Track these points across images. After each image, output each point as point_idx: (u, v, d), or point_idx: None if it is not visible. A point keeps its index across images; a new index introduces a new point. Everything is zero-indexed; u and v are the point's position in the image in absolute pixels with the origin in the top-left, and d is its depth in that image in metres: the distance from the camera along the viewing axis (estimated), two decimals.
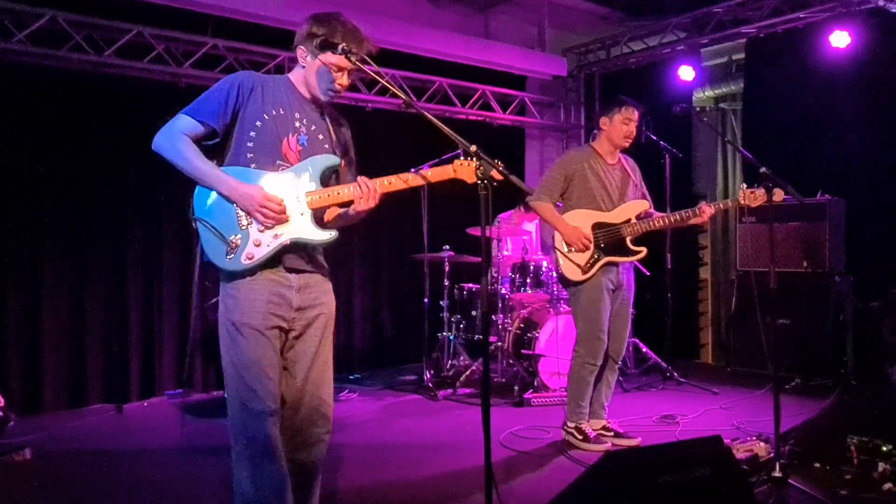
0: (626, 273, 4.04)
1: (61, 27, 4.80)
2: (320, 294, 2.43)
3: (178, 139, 2.27)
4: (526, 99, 7.45)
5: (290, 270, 2.35)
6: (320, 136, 2.44)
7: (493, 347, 5.58)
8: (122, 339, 5.20)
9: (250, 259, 2.27)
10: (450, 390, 5.44)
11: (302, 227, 2.33)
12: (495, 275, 5.69)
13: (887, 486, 3.11)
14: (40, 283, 4.88)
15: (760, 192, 3.58)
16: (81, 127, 5.06)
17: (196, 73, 5.31)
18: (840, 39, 5.58)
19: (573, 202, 3.99)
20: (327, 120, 2.49)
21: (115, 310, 5.17)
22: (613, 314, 4.00)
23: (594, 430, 4.01)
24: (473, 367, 5.68)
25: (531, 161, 7.89)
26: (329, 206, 2.41)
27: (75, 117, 5.04)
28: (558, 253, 3.97)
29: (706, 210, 3.83)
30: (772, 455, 3.31)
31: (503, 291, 5.67)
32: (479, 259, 5.80)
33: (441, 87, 6.65)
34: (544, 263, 5.69)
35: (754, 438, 3.63)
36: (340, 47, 2.29)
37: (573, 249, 3.91)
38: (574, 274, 3.94)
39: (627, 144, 4.01)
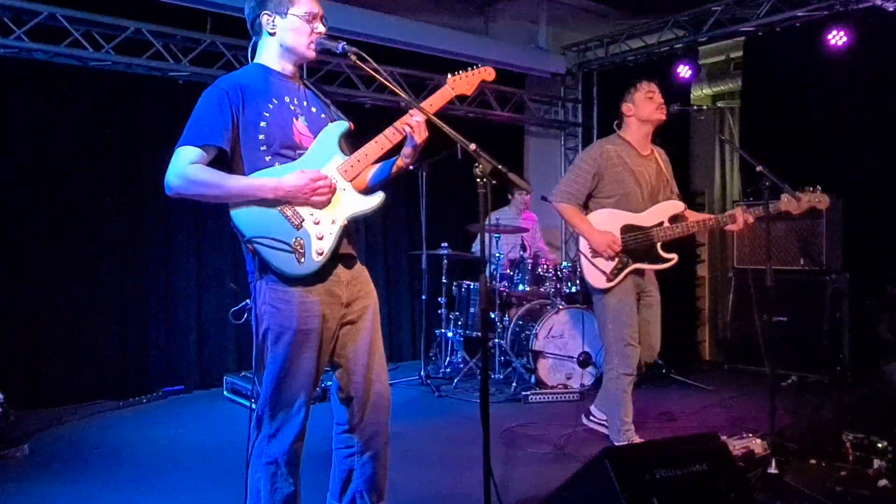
0: (650, 282, 3.80)
1: (60, 23, 4.80)
2: (364, 284, 2.39)
3: (190, 171, 2.12)
4: (525, 96, 7.46)
5: (343, 259, 2.29)
6: (314, 109, 2.36)
7: (490, 344, 5.60)
8: (122, 334, 5.21)
9: (321, 254, 2.19)
10: (448, 387, 5.46)
11: (351, 202, 2.26)
12: (493, 272, 5.70)
13: (882, 482, 3.12)
14: (40, 278, 4.89)
15: (807, 197, 3.46)
16: (80, 123, 5.06)
17: (195, 70, 5.31)
18: (837, 38, 5.59)
19: (602, 200, 3.71)
20: (312, 89, 2.42)
21: (114, 305, 5.18)
22: (641, 320, 3.74)
23: (600, 419, 3.86)
24: (471, 364, 5.70)
25: (530, 158, 7.90)
26: (363, 171, 2.33)
27: (74, 114, 5.04)
28: (583, 258, 3.72)
29: (739, 218, 3.57)
30: (768, 451, 3.33)
31: (501, 288, 5.68)
32: (477, 255, 5.81)
33: (440, 83, 6.62)
34: (542, 261, 5.70)
35: (750, 435, 3.64)
36: None
37: (598, 254, 3.67)
38: (598, 281, 3.68)
39: (663, 115, 3.68)
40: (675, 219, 3.69)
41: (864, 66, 5.52)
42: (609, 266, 3.64)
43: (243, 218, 2.16)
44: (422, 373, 5.62)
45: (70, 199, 5.02)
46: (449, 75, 2.45)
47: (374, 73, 2.29)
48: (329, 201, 2.22)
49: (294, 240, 2.16)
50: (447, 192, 6.26)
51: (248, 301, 2.31)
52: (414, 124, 2.29)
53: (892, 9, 5.39)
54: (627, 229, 3.64)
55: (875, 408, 4.05)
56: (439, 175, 5.53)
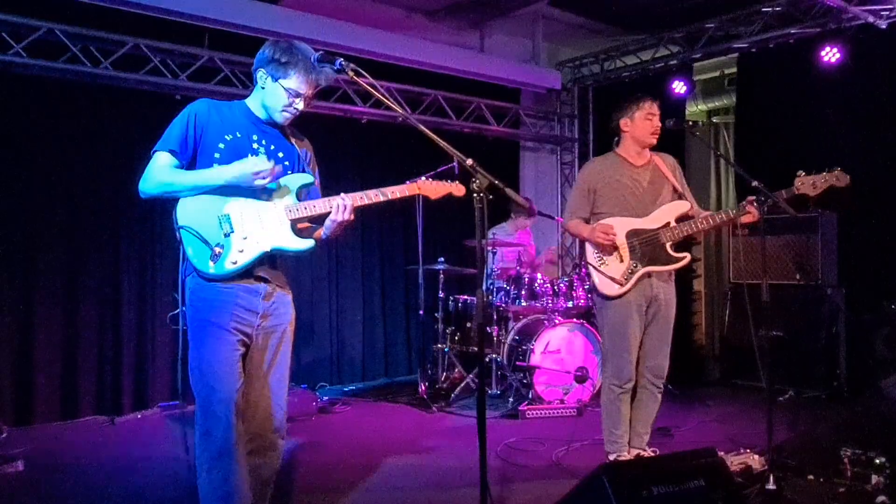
0: (664, 285, 3.65)
1: (58, 39, 4.82)
2: (281, 305, 2.55)
3: (156, 172, 2.40)
4: (520, 112, 7.49)
5: (259, 280, 2.47)
6: (280, 154, 2.57)
7: (487, 359, 5.58)
8: (116, 350, 5.18)
9: (234, 264, 2.39)
10: (444, 402, 5.44)
11: (282, 237, 2.48)
12: (490, 287, 5.70)
13: (881, 498, 3.11)
14: (33, 294, 4.87)
15: (820, 178, 3.36)
16: (78, 138, 5.07)
17: (192, 85, 5.32)
18: (830, 55, 5.65)
19: (603, 211, 3.68)
20: (290, 139, 2.63)
21: (108, 321, 5.16)
22: (648, 332, 3.63)
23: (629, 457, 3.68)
24: (468, 379, 5.68)
25: (526, 173, 7.93)
26: (304, 219, 2.55)
27: (72, 129, 5.05)
28: (591, 268, 3.65)
29: (753, 209, 3.42)
30: (766, 467, 3.32)
31: (498, 303, 5.68)
32: (474, 271, 5.81)
33: (436, 99, 6.68)
34: (539, 276, 5.71)
35: (748, 451, 3.63)
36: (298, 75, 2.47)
37: (605, 260, 3.58)
38: (610, 289, 3.57)
39: (654, 141, 3.68)
40: (682, 218, 3.62)
41: (857, 83, 5.58)
42: (619, 272, 3.56)
43: (184, 208, 2.40)
44: (418, 388, 5.60)
45: (65, 213, 5.01)
46: (422, 178, 2.75)
47: (370, 89, 2.34)
48: (269, 179, 2.42)
49: (216, 243, 2.38)
50: (444, 208, 6.25)
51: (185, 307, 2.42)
52: (341, 206, 2.48)
53: (884, 26, 5.45)
54: (633, 233, 3.59)
55: (872, 423, 4.04)
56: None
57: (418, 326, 5.73)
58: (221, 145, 2.46)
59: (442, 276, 5.79)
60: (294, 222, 2.51)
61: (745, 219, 3.47)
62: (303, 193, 2.60)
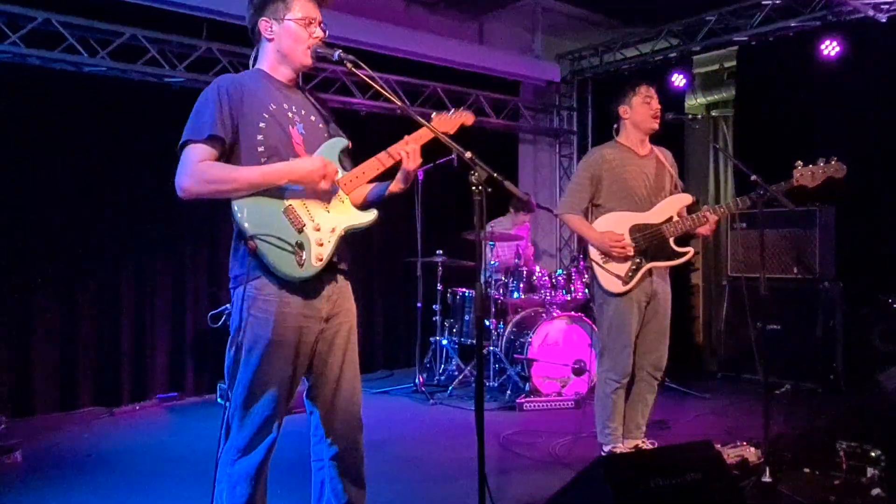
0: (661, 281, 3.65)
1: (55, 29, 4.80)
2: (345, 300, 2.36)
3: (200, 169, 2.10)
4: (519, 104, 7.48)
5: (335, 271, 2.29)
6: (312, 118, 2.36)
7: (485, 352, 5.59)
8: (114, 341, 5.18)
9: (320, 260, 2.19)
10: (442, 395, 5.45)
11: (348, 215, 2.29)
12: (488, 279, 5.70)
13: (876, 491, 3.13)
14: (32, 285, 4.87)
15: (819, 169, 3.35)
16: (75, 129, 5.05)
17: (190, 76, 5.31)
18: (830, 48, 5.64)
19: (606, 204, 3.62)
20: (311, 99, 2.41)
21: (107, 312, 5.16)
22: (647, 327, 3.63)
23: (627, 449, 3.70)
24: (466, 372, 5.69)
25: (524, 165, 7.92)
26: (358, 187, 2.36)
27: (69, 119, 5.03)
28: (595, 265, 3.60)
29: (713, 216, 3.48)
30: (762, 460, 3.33)
31: (496, 296, 5.68)
32: (473, 263, 5.81)
33: (435, 91, 6.66)
34: (537, 268, 5.71)
35: (745, 443, 3.64)
36: None
37: (610, 259, 3.56)
38: (615, 286, 3.54)
39: (657, 124, 3.62)
40: (686, 211, 3.60)
41: (857, 76, 5.58)
42: (623, 269, 3.53)
43: (247, 214, 2.12)
44: (416, 380, 5.61)
45: (62, 204, 5.00)
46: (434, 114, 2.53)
47: (369, 81, 2.29)
48: (328, 196, 2.24)
49: (296, 241, 2.15)
50: (442, 200, 6.26)
51: (227, 306, 2.29)
52: (410, 150, 2.32)
53: (884, 20, 5.44)
54: (637, 229, 3.55)
55: (868, 416, 4.06)
56: (435, 182, 5.54)
57: (416, 319, 5.73)
58: (262, 125, 2.19)
59: (440, 268, 5.79)
60: (352, 194, 2.31)
61: (705, 228, 3.50)
62: (344, 160, 2.38)
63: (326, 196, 2.26)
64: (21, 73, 4.82)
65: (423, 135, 2.37)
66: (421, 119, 2.31)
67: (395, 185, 2.39)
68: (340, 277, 2.35)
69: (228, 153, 2.18)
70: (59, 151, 4.99)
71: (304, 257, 2.15)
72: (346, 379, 2.35)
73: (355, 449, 2.40)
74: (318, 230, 2.21)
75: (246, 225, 2.11)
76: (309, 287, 2.22)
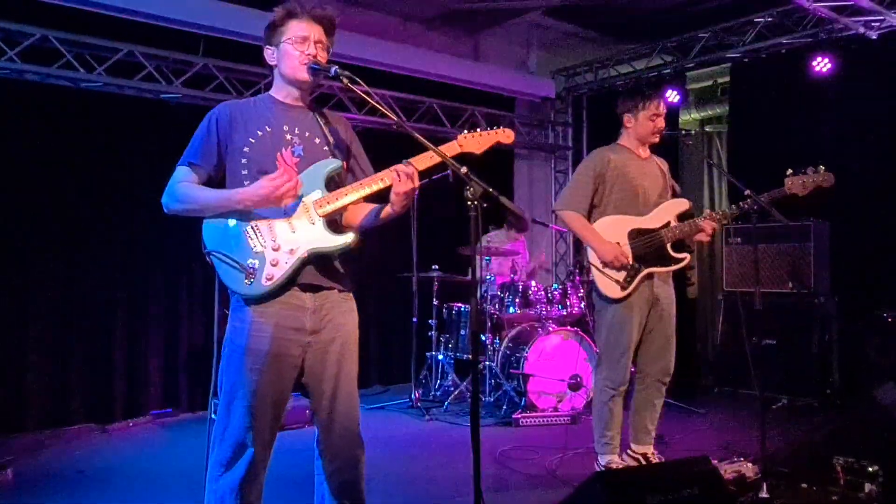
0: (663, 284, 3.66)
1: (52, 45, 4.81)
2: (336, 315, 2.33)
3: (177, 189, 2.28)
4: (515, 120, 7.52)
5: (306, 289, 2.27)
6: (317, 140, 2.38)
7: (481, 367, 5.57)
8: (107, 357, 5.15)
9: (270, 280, 2.21)
10: (438, 410, 5.42)
11: (316, 237, 2.27)
12: (484, 294, 5.70)
13: None
14: (24, 301, 4.85)
15: (809, 177, 3.38)
16: (72, 144, 5.05)
17: (187, 92, 5.32)
18: (822, 65, 5.70)
19: (607, 205, 3.62)
20: (319, 120, 2.42)
21: (100, 327, 5.13)
22: (650, 332, 3.64)
23: (637, 454, 3.70)
24: (462, 387, 5.67)
25: (519, 181, 7.95)
26: (339, 210, 2.33)
27: (66, 135, 5.03)
28: (594, 269, 3.60)
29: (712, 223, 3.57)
30: (759, 475, 3.33)
31: (492, 311, 5.67)
32: (468, 278, 5.82)
33: (431, 107, 6.69)
34: (533, 283, 5.71)
35: (742, 459, 3.63)
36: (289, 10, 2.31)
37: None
38: (613, 291, 3.55)
39: (657, 140, 3.68)
40: (682, 217, 3.61)
41: (849, 92, 5.63)
42: (622, 274, 3.54)
43: (210, 230, 2.28)
44: (412, 396, 5.59)
45: (58, 220, 4.99)
46: (466, 132, 2.42)
47: (364, 97, 2.30)
48: (294, 198, 2.23)
49: (248, 261, 2.22)
50: (438, 215, 6.27)
51: None
52: (402, 173, 2.25)
53: (874, 37, 5.50)
54: (635, 234, 3.55)
55: (865, 431, 4.05)
56: (430, 198, 5.55)
57: (412, 334, 5.72)
58: (247, 148, 2.29)
59: (436, 283, 5.78)
60: (331, 217, 2.30)
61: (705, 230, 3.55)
62: (336, 180, 2.36)
63: (296, 213, 2.26)
64: (19, 88, 4.83)
65: (422, 159, 2.30)
66: (419, 137, 2.26)
67: (388, 209, 2.36)
68: (331, 293, 2.32)
69: (220, 178, 2.34)
70: (55, 166, 4.98)
71: (253, 276, 2.21)
72: (343, 395, 2.34)
73: (354, 466, 2.38)
74: (277, 251, 2.24)
75: (206, 241, 2.28)
76: (284, 300, 2.24)
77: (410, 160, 2.30)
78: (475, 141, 2.40)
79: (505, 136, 2.45)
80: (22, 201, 4.86)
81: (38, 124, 4.93)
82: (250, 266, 2.21)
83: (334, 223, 2.33)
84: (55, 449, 4.45)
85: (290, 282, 2.24)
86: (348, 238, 2.29)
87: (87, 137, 5.11)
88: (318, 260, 2.28)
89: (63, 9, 4.73)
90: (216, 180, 2.34)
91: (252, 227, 2.25)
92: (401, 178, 2.24)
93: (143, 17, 4.96)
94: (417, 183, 2.26)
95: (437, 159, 2.27)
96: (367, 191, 2.30)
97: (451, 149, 2.36)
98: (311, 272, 2.27)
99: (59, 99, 5.00)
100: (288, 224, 2.26)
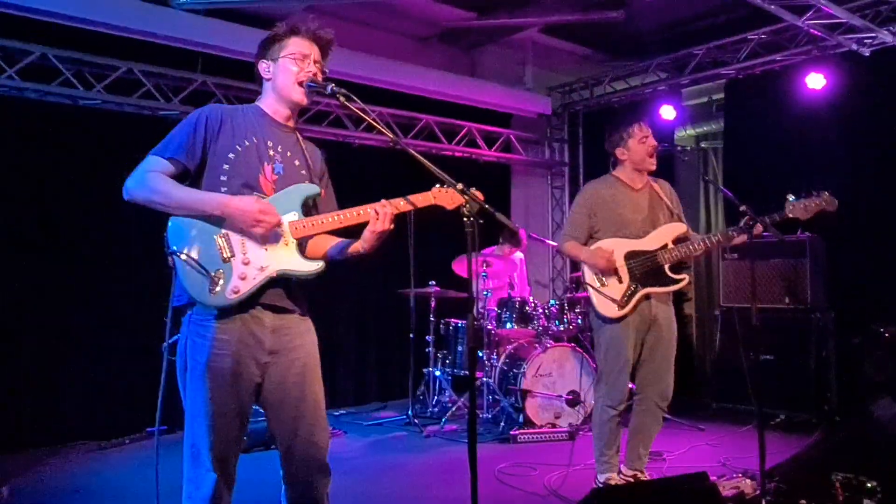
0: (662, 305, 3.65)
1: (52, 63, 4.84)
2: (295, 336, 2.29)
3: (147, 178, 2.17)
4: (511, 136, 7.56)
5: (267, 308, 2.22)
6: (296, 162, 2.36)
7: (478, 383, 5.56)
8: (105, 375, 5.13)
9: (236, 293, 2.14)
10: (436, 426, 5.40)
11: (287, 259, 2.22)
12: (481, 310, 5.69)
13: None
14: (19, 319, 4.84)
15: (812, 202, 3.38)
16: (71, 162, 5.07)
17: (185, 109, 5.34)
18: (816, 81, 5.75)
19: (602, 233, 3.65)
20: (302, 144, 2.41)
21: (97, 344, 5.11)
22: (649, 354, 3.63)
23: (627, 477, 3.67)
24: (459, 403, 5.65)
25: (516, 197, 7.97)
26: (313, 236, 2.31)
27: (65, 153, 5.05)
28: (590, 289, 3.61)
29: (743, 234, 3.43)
30: (758, 492, 3.31)
31: (489, 327, 5.67)
32: (465, 294, 5.81)
33: (427, 124, 6.73)
34: (530, 299, 5.71)
35: (740, 475, 3.62)
36: (293, 30, 2.31)
37: (605, 281, 3.56)
38: (610, 310, 3.55)
39: (654, 165, 3.68)
40: (679, 240, 3.62)
41: (842, 108, 5.68)
42: (618, 292, 3.55)
43: (177, 229, 2.16)
44: (409, 412, 5.56)
45: (53, 237, 4.99)
46: (436, 186, 2.38)
47: (361, 114, 2.31)
48: (266, 236, 2.19)
49: (216, 270, 2.14)
50: (435, 231, 6.27)
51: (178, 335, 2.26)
52: (382, 212, 2.24)
53: (867, 53, 5.56)
54: (631, 255, 3.57)
55: (863, 447, 4.04)
56: (427, 213, 5.57)
57: (409, 350, 5.71)
58: (232, 155, 2.23)
59: (433, 299, 5.78)
60: (301, 241, 2.27)
61: (738, 241, 3.49)
62: (310, 206, 2.34)
63: (272, 235, 2.21)
64: (18, 106, 4.85)
65: (415, 201, 2.32)
66: (417, 155, 2.24)
67: (359, 245, 2.32)
68: (291, 316, 2.29)
69: (194, 177, 2.24)
70: (52, 186, 5.00)
71: (219, 286, 2.12)
72: (305, 419, 2.26)
73: (311, 496, 2.27)
74: (247, 265, 2.17)
75: (171, 240, 2.16)
76: (245, 316, 2.19)
77: (410, 197, 2.31)
78: (448, 196, 2.35)
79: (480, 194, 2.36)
80: (20, 218, 4.87)
81: (38, 142, 4.95)
82: (216, 276, 2.13)
83: (303, 248, 2.30)
84: (52, 467, 4.42)
85: (254, 299, 2.19)
86: (320, 265, 2.27)
87: (85, 155, 5.12)
88: (284, 282, 2.25)
89: (62, 27, 4.77)
90: (188, 178, 2.24)
91: (223, 237, 2.18)
92: (379, 217, 2.24)
93: (141, 35, 5.00)
94: (392, 226, 2.25)
95: (434, 202, 2.32)
96: (344, 221, 2.28)
97: (426, 199, 2.36)
98: (275, 293, 2.23)
99: (59, 116, 5.03)
100: (260, 241, 2.21)
